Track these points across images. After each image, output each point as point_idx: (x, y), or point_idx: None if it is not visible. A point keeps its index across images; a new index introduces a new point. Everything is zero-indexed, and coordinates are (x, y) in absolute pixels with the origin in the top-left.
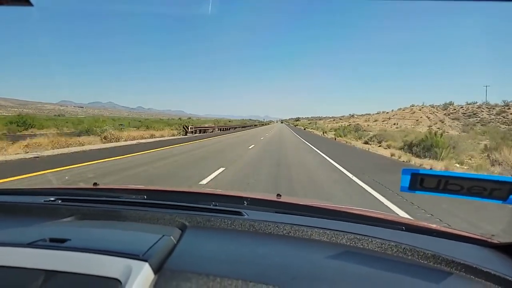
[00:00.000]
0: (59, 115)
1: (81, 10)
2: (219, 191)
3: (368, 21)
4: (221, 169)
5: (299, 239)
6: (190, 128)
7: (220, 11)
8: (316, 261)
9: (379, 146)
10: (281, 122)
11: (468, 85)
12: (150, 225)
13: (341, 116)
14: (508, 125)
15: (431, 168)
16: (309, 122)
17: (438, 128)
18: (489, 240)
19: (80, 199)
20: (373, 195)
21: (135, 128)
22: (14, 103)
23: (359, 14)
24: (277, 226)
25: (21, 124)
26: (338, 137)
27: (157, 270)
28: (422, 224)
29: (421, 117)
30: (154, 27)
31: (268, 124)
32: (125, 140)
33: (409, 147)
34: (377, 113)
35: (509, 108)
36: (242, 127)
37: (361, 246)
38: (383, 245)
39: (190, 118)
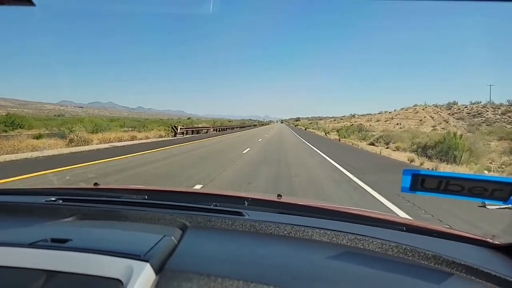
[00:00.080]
0: (58, 115)
1: (81, 10)
2: (219, 192)
3: (368, 21)
4: (197, 186)
5: (299, 240)
6: (180, 128)
7: (221, 10)
8: (317, 262)
9: (387, 147)
10: (281, 122)
11: (469, 85)
12: (151, 225)
13: (342, 116)
14: None
15: None
16: (309, 122)
17: (442, 128)
18: (490, 240)
19: (81, 199)
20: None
21: (131, 128)
22: (14, 103)
23: (359, 14)
24: (277, 227)
25: (9, 124)
26: (342, 138)
27: (158, 270)
28: (422, 224)
29: (424, 117)
30: (154, 27)
31: (268, 124)
32: (98, 143)
33: (423, 150)
34: (379, 113)
35: None
36: (241, 127)
37: (362, 247)
38: (383, 245)
39: (190, 118)
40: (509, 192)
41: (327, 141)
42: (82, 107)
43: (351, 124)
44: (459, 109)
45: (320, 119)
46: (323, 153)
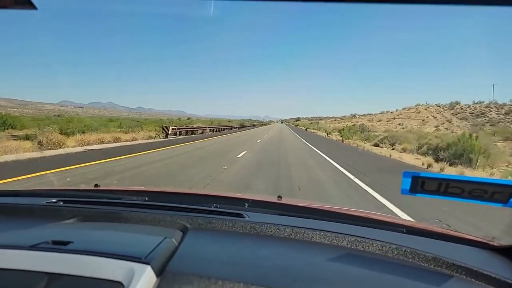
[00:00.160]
0: (58, 115)
1: (81, 10)
2: (220, 193)
3: (368, 21)
4: None
5: (300, 241)
6: (172, 129)
7: (222, 12)
8: (317, 264)
9: (392, 149)
10: (281, 122)
11: (470, 85)
12: (152, 227)
13: (343, 116)
14: None
15: None
16: (310, 122)
17: (445, 129)
18: (490, 242)
19: (82, 201)
20: None
21: (127, 129)
22: (14, 103)
23: (359, 14)
24: (278, 228)
25: (1, 125)
26: (346, 139)
27: (159, 273)
28: (422, 226)
29: (427, 117)
30: (154, 27)
31: (268, 124)
32: (76, 145)
33: (434, 152)
34: (381, 113)
35: None
36: (240, 127)
37: (362, 249)
38: (383, 247)
39: (189, 118)
40: (508, 194)
41: (330, 143)
42: (82, 107)
43: (353, 124)
44: (462, 109)
45: (320, 119)
46: (330, 158)
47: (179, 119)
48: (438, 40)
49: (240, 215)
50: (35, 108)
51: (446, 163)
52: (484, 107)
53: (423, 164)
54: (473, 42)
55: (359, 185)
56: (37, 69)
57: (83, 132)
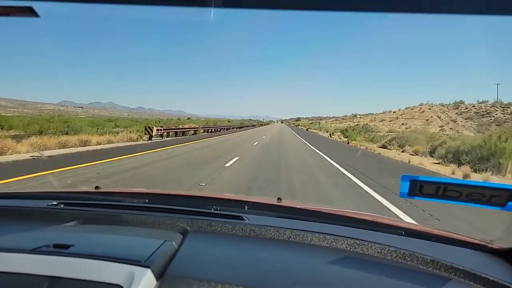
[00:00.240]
0: (58, 116)
1: (81, 10)
2: (220, 195)
3: (368, 21)
4: None
5: (299, 244)
6: (157, 130)
7: (222, 17)
8: (317, 266)
9: (402, 151)
10: (281, 122)
11: (473, 84)
12: (152, 229)
13: (343, 116)
14: None
15: None
16: (310, 122)
17: (450, 129)
18: (488, 245)
19: (82, 203)
20: None
21: (122, 129)
22: (14, 103)
23: (360, 14)
24: (277, 231)
25: None
26: (352, 140)
27: (159, 276)
28: (421, 228)
29: (431, 117)
30: (154, 27)
31: (268, 124)
32: (28, 151)
33: (454, 156)
34: (383, 113)
35: None
36: (238, 127)
37: (361, 251)
38: (382, 250)
39: (189, 118)
40: (506, 198)
41: (335, 145)
42: (83, 107)
43: (356, 124)
44: (467, 108)
45: (320, 119)
46: (345, 169)
47: (178, 119)
48: (439, 39)
49: (240, 218)
50: (35, 108)
51: (471, 169)
52: (490, 107)
53: (453, 173)
54: (475, 41)
55: (386, 206)
56: (37, 69)
57: (67, 133)
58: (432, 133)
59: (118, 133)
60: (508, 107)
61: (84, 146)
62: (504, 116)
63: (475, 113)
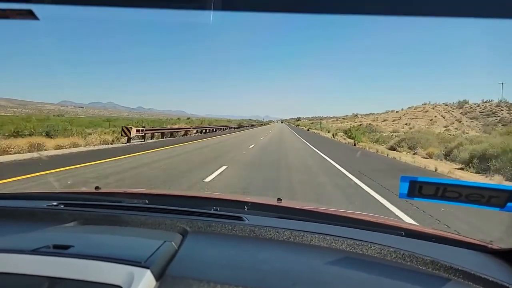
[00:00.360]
0: (58, 116)
1: (82, 12)
2: (220, 195)
3: (368, 21)
4: None
5: (299, 245)
6: (138, 131)
7: (221, 19)
8: (316, 267)
9: (414, 153)
10: (281, 122)
11: (476, 84)
12: (152, 230)
13: (344, 116)
14: None
15: None
16: (311, 122)
17: (455, 129)
18: (488, 245)
19: (83, 204)
20: None
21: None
22: (14, 103)
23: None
24: (277, 232)
25: None
26: (358, 141)
27: (158, 277)
28: (421, 229)
29: (435, 116)
30: (154, 27)
31: (268, 124)
32: None
33: (480, 161)
34: (385, 113)
35: None
36: (237, 127)
37: (361, 252)
38: (382, 250)
39: (189, 118)
40: (505, 199)
41: (342, 148)
42: (83, 107)
43: (359, 124)
44: (471, 108)
45: (321, 119)
46: (362, 182)
47: (178, 119)
48: (440, 39)
49: (240, 218)
50: (35, 108)
51: (502, 177)
52: (495, 106)
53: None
54: (477, 41)
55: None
56: (37, 69)
57: (47, 134)
58: (439, 133)
59: (91, 134)
60: None
61: (29, 151)
62: (510, 115)
63: (480, 112)
